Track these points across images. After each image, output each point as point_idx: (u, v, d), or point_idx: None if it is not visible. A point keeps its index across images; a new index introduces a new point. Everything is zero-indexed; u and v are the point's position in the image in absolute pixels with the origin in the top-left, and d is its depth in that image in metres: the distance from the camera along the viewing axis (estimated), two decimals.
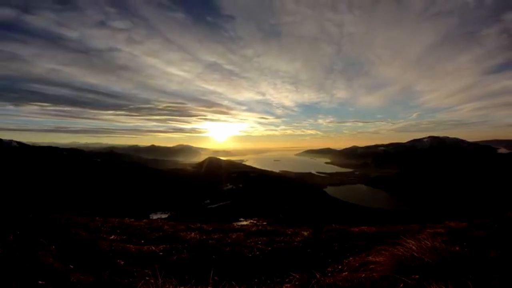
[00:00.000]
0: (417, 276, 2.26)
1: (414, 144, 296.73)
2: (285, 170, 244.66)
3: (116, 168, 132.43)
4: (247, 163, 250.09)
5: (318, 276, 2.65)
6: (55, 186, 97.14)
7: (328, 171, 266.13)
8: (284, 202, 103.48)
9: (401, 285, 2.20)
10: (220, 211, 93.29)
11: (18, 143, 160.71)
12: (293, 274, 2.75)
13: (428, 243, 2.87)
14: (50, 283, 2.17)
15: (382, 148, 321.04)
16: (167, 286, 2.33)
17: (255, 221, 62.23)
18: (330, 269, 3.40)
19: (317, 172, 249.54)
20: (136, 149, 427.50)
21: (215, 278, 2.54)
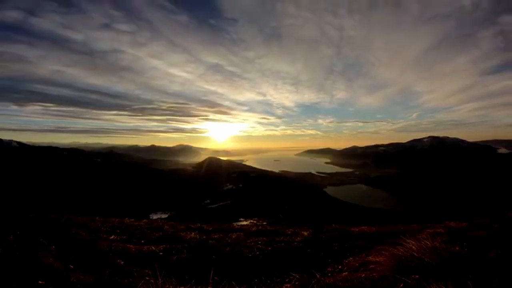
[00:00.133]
0: (417, 276, 2.26)
1: (414, 144, 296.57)
2: (285, 170, 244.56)
3: (116, 168, 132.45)
4: (247, 163, 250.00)
5: (318, 276, 2.65)
6: (55, 186, 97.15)
7: (328, 171, 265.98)
8: (284, 202, 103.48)
9: (401, 285, 2.20)
10: (220, 211, 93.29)
11: (18, 143, 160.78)
12: (293, 274, 2.75)
13: (428, 243, 2.87)
14: (50, 283, 2.17)
15: (382, 148, 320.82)
16: (167, 286, 2.33)
17: (255, 221, 62.24)
18: (330, 269, 3.40)
19: (317, 172, 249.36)
20: (136, 149, 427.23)
21: (215, 278, 2.54)
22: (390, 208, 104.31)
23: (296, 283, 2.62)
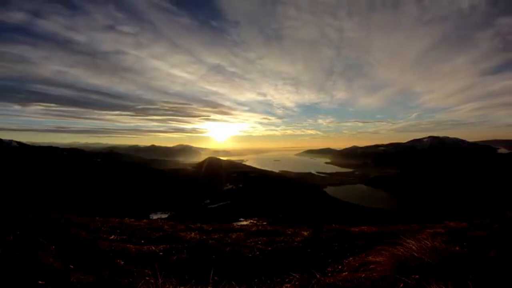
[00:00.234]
0: (417, 276, 2.26)
1: (414, 144, 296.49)
2: (285, 170, 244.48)
3: (116, 168, 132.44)
4: (247, 163, 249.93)
5: (318, 276, 2.65)
6: (55, 186, 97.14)
7: (328, 171, 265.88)
8: (284, 202, 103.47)
9: (401, 285, 2.20)
10: (220, 211, 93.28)
11: (18, 143, 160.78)
12: (293, 274, 2.75)
13: (428, 243, 2.87)
14: (50, 283, 2.17)
15: (382, 148, 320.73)
16: (167, 286, 2.33)
17: (255, 221, 62.24)
18: (330, 269, 3.40)
19: (317, 172, 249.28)
20: (136, 149, 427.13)
21: (215, 278, 2.54)
22: (390, 208, 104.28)
23: (296, 283, 2.62)
